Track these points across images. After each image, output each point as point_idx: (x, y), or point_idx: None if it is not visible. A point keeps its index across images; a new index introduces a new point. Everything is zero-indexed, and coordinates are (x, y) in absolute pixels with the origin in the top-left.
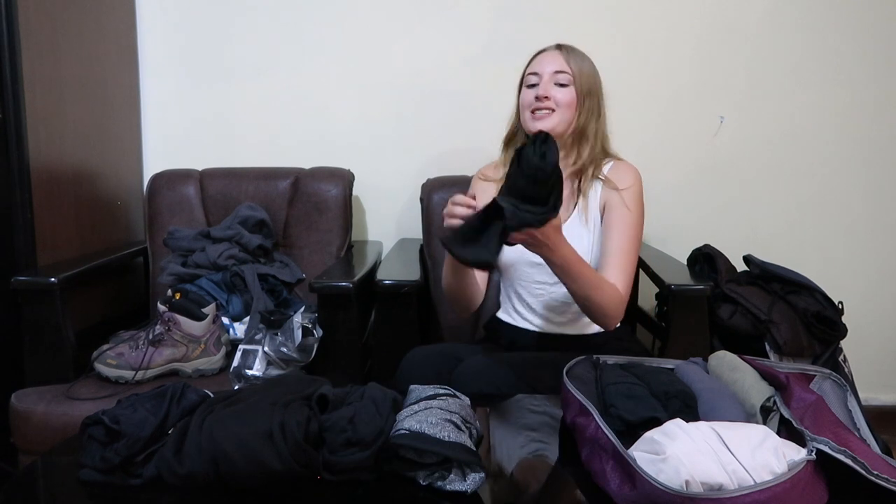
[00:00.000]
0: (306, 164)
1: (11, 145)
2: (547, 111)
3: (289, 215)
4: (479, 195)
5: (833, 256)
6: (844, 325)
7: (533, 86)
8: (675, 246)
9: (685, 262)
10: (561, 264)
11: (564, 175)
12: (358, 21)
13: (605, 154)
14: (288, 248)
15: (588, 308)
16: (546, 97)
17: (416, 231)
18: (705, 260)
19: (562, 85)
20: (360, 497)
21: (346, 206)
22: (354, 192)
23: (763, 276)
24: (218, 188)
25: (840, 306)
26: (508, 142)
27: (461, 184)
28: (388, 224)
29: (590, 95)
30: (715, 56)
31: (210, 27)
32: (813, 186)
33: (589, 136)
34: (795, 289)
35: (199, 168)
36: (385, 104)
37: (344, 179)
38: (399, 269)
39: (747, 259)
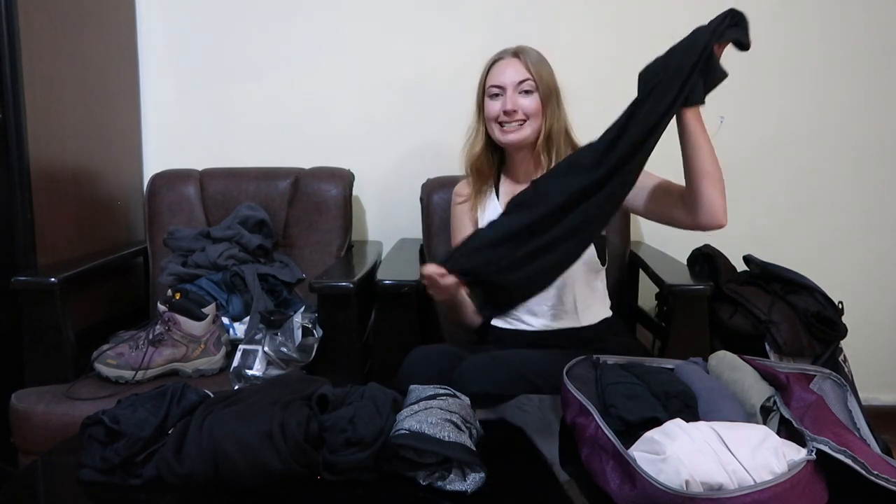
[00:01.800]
0: (306, 164)
1: (11, 145)
2: (517, 123)
3: (289, 215)
4: (461, 224)
5: (833, 256)
6: (844, 325)
7: (495, 96)
8: (675, 246)
9: (685, 262)
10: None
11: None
12: (358, 21)
13: (571, 147)
14: (288, 248)
15: (708, 185)
16: (514, 110)
17: (416, 231)
18: (705, 260)
19: (526, 92)
20: (360, 497)
21: (346, 206)
22: (354, 192)
23: (763, 276)
24: (218, 188)
25: (840, 306)
26: (475, 161)
27: None
28: (388, 224)
29: (550, 97)
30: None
31: (210, 27)
32: (813, 186)
33: (555, 137)
34: (795, 289)
35: (199, 168)
36: (385, 104)
37: (344, 179)
38: (399, 269)
39: (747, 259)
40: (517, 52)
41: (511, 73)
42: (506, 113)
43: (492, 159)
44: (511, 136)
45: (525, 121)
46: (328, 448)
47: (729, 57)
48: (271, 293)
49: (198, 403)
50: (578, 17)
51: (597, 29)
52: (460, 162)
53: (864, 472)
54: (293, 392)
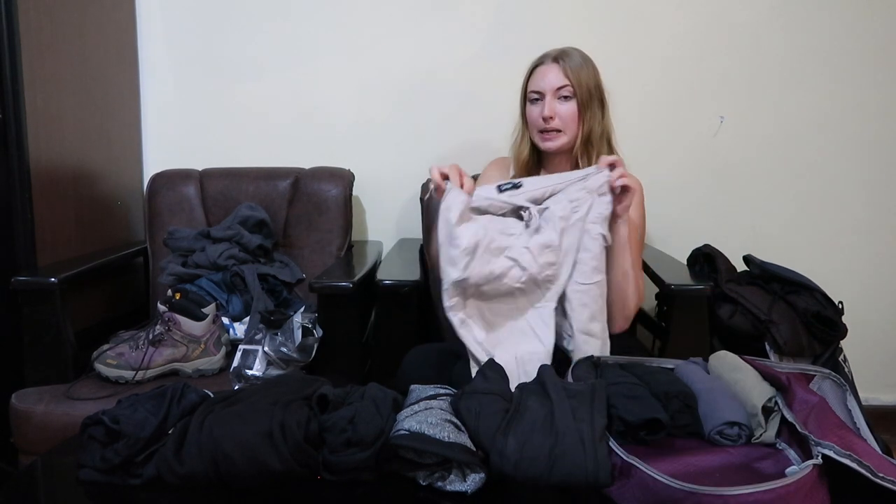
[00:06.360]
0: (306, 164)
1: (11, 145)
2: (555, 132)
3: (289, 215)
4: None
5: (833, 256)
6: (844, 325)
7: (535, 101)
8: (675, 246)
9: (685, 262)
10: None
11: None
12: (358, 21)
13: (610, 152)
14: (288, 248)
15: (617, 293)
16: (551, 117)
17: (416, 231)
18: (705, 260)
19: (565, 98)
20: (360, 497)
21: (346, 206)
22: (354, 192)
23: (763, 276)
24: (218, 188)
25: (840, 306)
26: (524, 163)
27: None
28: (388, 224)
29: (591, 101)
30: (714, 56)
31: (210, 27)
32: (813, 186)
33: (594, 140)
34: (795, 289)
35: (199, 168)
36: (385, 104)
37: (344, 179)
38: (399, 269)
39: (747, 259)
40: (557, 58)
41: (550, 78)
42: (544, 119)
43: (535, 160)
44: (549, 143)
45: (561, 130)
46: (328, 448)
47: (729, 56)
48: (271, 293)
49: (198, 403)
50: (578, 18)
51: (596, 29)
52: (461, 161)
53: (869, 475)
54: (293, 392)
